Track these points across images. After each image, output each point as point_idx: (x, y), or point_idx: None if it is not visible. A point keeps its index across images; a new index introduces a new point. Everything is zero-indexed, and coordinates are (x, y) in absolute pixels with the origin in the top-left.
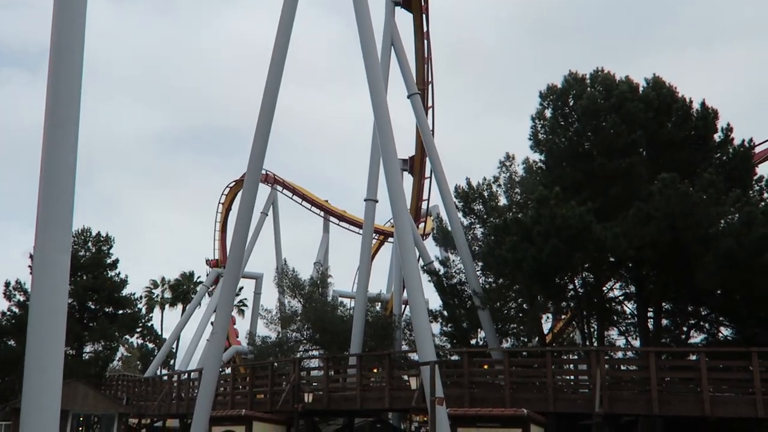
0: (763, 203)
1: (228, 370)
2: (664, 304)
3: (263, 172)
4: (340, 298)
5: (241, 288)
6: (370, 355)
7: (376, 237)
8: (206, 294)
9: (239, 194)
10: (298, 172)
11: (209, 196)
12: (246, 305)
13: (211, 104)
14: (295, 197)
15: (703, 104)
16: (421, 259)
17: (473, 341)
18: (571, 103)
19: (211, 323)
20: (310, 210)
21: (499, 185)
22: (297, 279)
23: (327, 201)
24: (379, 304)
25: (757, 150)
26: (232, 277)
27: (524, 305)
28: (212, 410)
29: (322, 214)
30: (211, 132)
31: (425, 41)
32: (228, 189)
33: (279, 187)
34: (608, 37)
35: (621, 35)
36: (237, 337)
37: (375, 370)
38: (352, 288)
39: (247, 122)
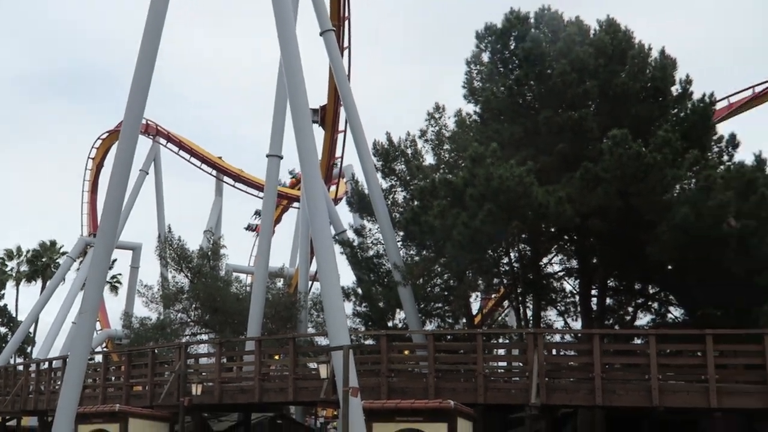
0: (722, 166)
1: (98, 358)
2: (609, 281)
3: (143, 121)
4: (235, 273)
5: (114, 261)
6: (270, 339)
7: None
8: (72, 267)
9: (113, 148)
10: (185, 123)
11: (75, 149)
12: (120, 282)
13: (77, 38)
14: (181, 153)
15: (662, 52)
16: (332, 227)
17: (391, 323)
18: (512, 46)
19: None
20: (199, 168)
21: (427, 141)
22: (183, 250)
23: (220, 158)
24: (282, 280)
25: (717, 107)
26: (105, 247)
27: (451, 282)
28: (79, 406)
29: (214, 173)
30: (77, 72)
31: None
32: (99, 141)
33: (162, 141)
34: None
35: None
36: (109, 319)
37: (276, 357)
38: (249, 262)
39: (124, 61)
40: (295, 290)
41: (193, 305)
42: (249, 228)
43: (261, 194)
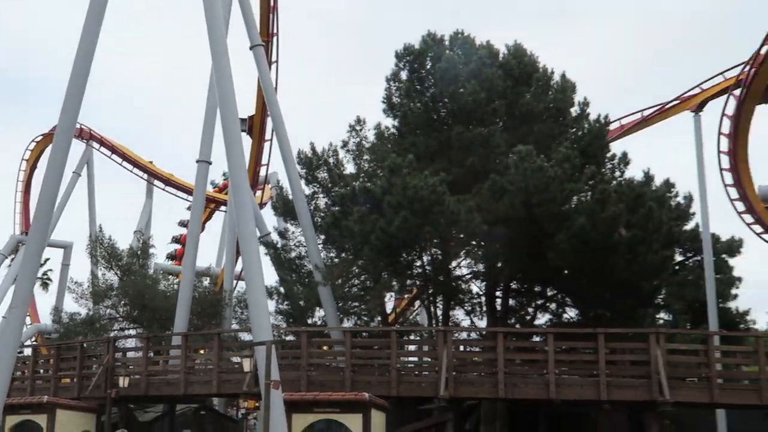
0: (615, 181)
1: (27, 352)
2: (512, 283)
3: (77, 126)
4: (163, 272)
5: (47, 260)
6: (196, 334)
7: (207, 204)
8: (3, 264)
9: (47, 150)
10: (118, 129)
11: (10, 150)
12: (51, 279)
13: (12, 40)
14: (114, 157)
15: (563, 76)
16: (257, 229)
17: (311, 320)
18: (428, 66)
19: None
20: (131, 172)
21: (348, 151)
22: (114, 248)
23: (151, 162)
24: (208, 279)
25: (611, 127)
26: (37, 245)
27: (368, 282)
28: (7, 397)
29: (145, 176)
30: (12, 75)
31: None
32: (34, 144)
33: (96, 145)
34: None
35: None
36: (39, 315)
37: (202, 352)
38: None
39: (59, 66)
40: (220, 289)
41: (122, 302)
42: (170, 256)
43: (190, 198)
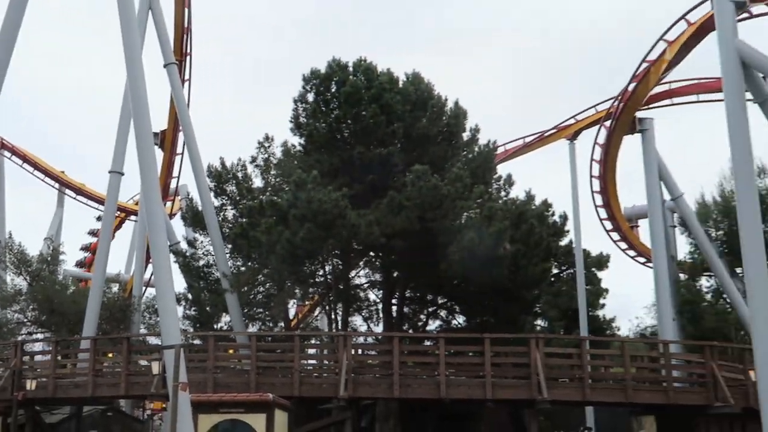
0: (501, 200)
1: None
2: (407, 292)
3: None
4: (72, 278)
5: None
6: (105, 338)
7: (117, 214)
8: None
9: None
10: (29, 138)
11: None
12: None
13: None
14: (25, 165)
15: (456, 103)
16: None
17: (218, 325)
18: (333, 89)
19: None
20: (43, 181)
21: (256, 166)
22: (23, 254)
23: (63, 172)
24: (117, 285)
25: (497, 151)
26: None
27: (273, 290)
28: None
29: (56, 186)
30: None
31: (186, 9)
32: None
33: (7, 153)
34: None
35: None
36: None
37: (110, 355)
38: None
39: None
40: (129, 294)
41: (31, 306)
42: (79, 264)
43: (101, 207)
